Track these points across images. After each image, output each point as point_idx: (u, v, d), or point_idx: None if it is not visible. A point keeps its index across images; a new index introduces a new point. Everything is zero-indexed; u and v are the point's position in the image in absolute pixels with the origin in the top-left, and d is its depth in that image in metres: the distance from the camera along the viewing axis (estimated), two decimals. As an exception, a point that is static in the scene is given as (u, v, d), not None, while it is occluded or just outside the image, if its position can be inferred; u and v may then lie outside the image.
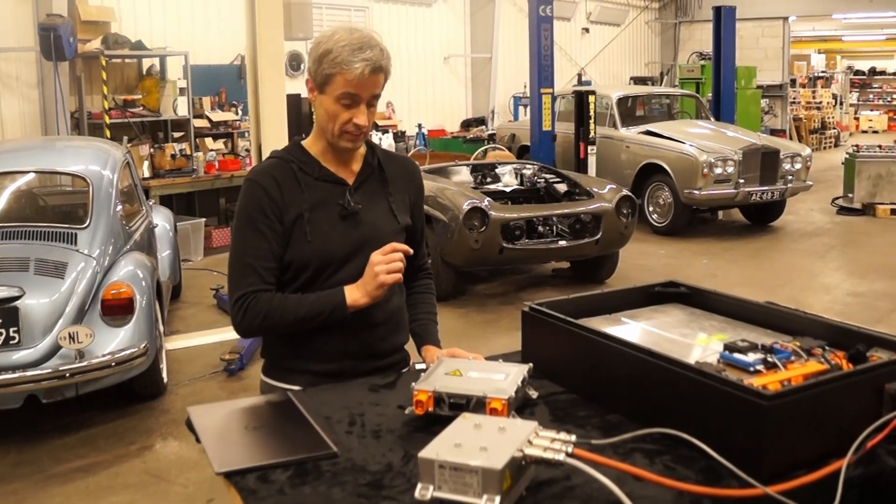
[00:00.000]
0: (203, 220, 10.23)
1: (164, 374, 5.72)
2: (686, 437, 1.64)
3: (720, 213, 12.35)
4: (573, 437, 1.55)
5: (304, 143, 2.43)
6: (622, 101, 12.21)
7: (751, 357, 1.87)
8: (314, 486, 1.65)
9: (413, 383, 1.92)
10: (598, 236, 7.70)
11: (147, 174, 9.84)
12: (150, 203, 7.56)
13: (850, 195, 12.18)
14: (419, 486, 1.49)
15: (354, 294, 2.27)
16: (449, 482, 1.46)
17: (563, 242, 7.68)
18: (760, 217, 11.68)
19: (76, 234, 5.35)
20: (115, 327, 5.05)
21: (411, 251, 2.31)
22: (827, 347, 1.94)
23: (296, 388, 2.30)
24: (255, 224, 2.29)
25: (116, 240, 5.56)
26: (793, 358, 1.88)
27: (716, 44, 13.75)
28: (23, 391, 4.70)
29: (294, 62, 12.96)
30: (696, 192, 10.35)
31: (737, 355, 1.89)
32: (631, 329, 2.26)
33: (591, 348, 2.01)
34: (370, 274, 2.24)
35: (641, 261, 9.18)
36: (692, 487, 1.52)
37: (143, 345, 5.05)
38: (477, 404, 1.85)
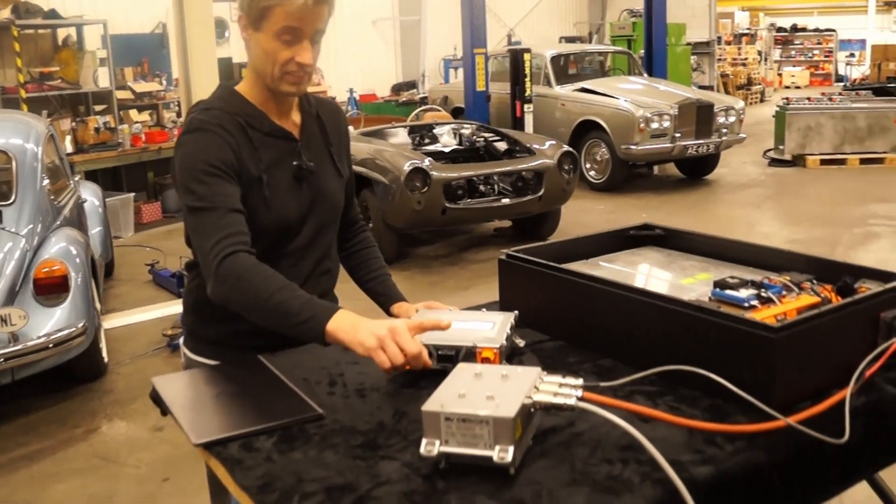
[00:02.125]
0: (132, 195, 9.93)
1: (105, 354, 5.53)
2: (705, 373, 1.55)
3: (656, 168, 12.42)
4: (581, 381, 1.46)
5: (238, 89, 2.13)
6: (556, 60, 12.16)
7: (743, 293, 1.82)
8: (304, 451, 1.54)
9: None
10: (541, 193, 7.64)
11: (70, 149, 9.48)
12: (76, 178, 7.30)
13: (781, 147, 12.33)
14: (424, 441, 1.39)
15: (345, 325, 1.75)
16: (457, 435, 1.36)
17: (506, 200, 7.61)
18: (695, 171, 11.76)
19: (0, 212, 5.11)
20: (50, 307, 4.84)
21: (431, 364, 1.76)
22: (815, 281, 1.89)
23: (213, 362, 2.13)
24: (219, 171, 1.96)
25: (45, 216, 5.32)
26: (784, 292, 1.83)
27: (647, 0, 13.73)
28: (-46, 379, 4.48)
29: (218, 28, 12.62)
30: (632, 147, 10.36)
31: (729, 292, 1.83)
32: (611, 273, 2.18)
33: (578, 292, 1.92)
34: (386, 334, 1.70)
35: (581, 217, 9.17)
36: (711, 426, 1.44)
37: (82, 324, 4.85)
38: (467, 355, 1.76)
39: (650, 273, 2.17)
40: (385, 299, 2.31)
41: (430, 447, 1.37)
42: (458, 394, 1.41)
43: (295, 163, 2.13)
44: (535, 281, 2.05)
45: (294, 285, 1.86)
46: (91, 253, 5.66)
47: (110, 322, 6.36)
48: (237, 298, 1.88)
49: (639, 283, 2.07)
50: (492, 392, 1.40)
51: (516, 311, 1.95)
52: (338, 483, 1.41)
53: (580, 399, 1.41)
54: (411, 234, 8.18)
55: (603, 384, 1.57)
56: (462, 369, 1.54)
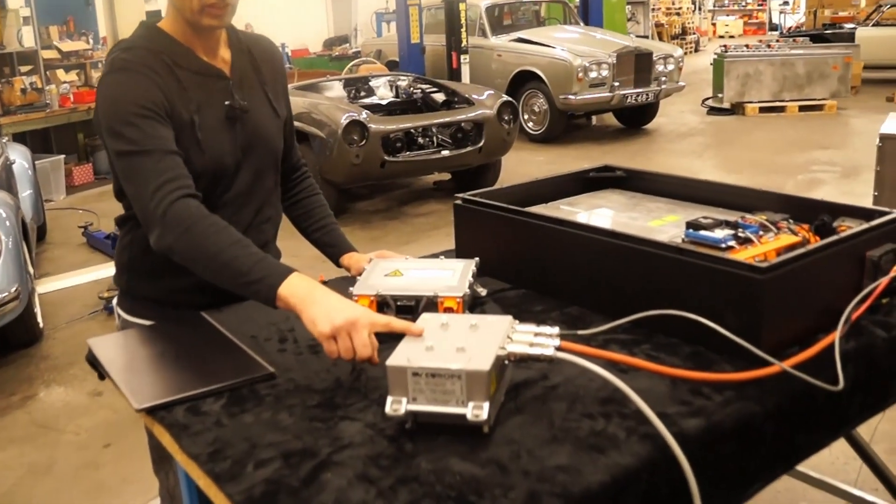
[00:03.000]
0: (62, 157, 9.56)
1: (40, 319, 5.30)
2: (695, 318, 1.44)
3: (594, 119, 12.34)
4: (557, 329, 1.35)
5: (161, 26, 1.93)
6: (490, 10, 11.95)
7: (719, 233, 1.72)
8: (256, 414, 1.41)
9: (350, 289, 1.69)
10: (481, 144, 7.50)
11: (-5, 112, 9.12)
12: (4, 140, 6.99)
13: (720, 95, 12.30)
14: (389, 399, 1.27)
15: (299, 292, 1.55)
16: (426, 391, 1.24)
17: (446, 152, 7.46)
18: (634, 120, 11.69)
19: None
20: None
21: (377, 362, 1.47)
22: (791, 220, 1.80)
23: (151, 323, 1.95)
24: (150, 112, 1.77)
25: (-32, 178, 5.07)
26: (761, 232, 1.74)
27: (581, -52, 13.58)
28: None
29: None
30: (571, 97, 10.24)
31: (703, 233, 1.73)
32: (574, 216, 2.07)
33: (542, 237, 1.81)
34: (343, 325, 1.46)
35: (522, 169, 9.05)
36: (702, 375, 1.34)
37: (14, 288, 4.62)
38: (428, 305, 1.64)
39: (615, 216, 2.07)
40: (334, 250, 2.15)
41: (396, 406, 1.25)
42: (424, 346, 1.29)
43: (227, 102, 1.95)
44: (494, 226, 1.93)
45: (247, 241, 1.69)
46: (21, 215, 5.42)
47: (44, 286, 6.12)
48: (184, 250, 1.70)
49: (605, 226, 1.97)
50: (462, 343, 1.29)
51: (476, 258, 1.83)
52: (295, 448, 1.28)
53: (558, 349, 1.30)
54: (350, 188, 7.99)
55: (581, 332, 1.46)
56: (427, 320, 1.41)
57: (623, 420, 1.28)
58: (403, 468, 1.20)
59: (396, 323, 1.44)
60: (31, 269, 5.33)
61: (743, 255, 1.62)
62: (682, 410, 1.31)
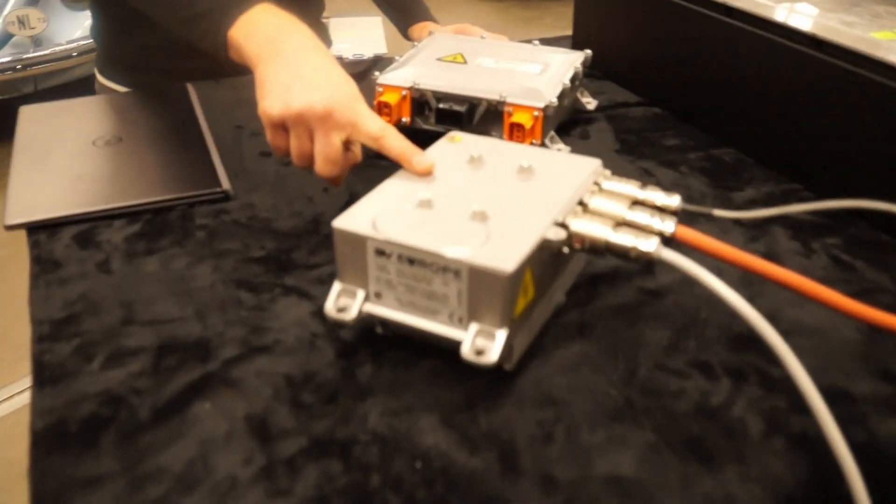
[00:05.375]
0: None
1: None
2: None
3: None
4: (677, 199, 0.73)
5: None
6: None
7: None
8: (166, 259, 0.86)
9: (376, 73, 1.08)
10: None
11: None
12: None
13: None
14: (335, 289, 0.69)
15: (258, 36, 0.92)
16: (397, 287, 0.66)
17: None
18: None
19: None
20: (77, 10, 4.17)
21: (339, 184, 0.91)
22: None
23: (123, 89, 1.42)
24: None
25: None
26: None
27: None
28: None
29: None
30: None
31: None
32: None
33: (704, 32, 1.15)
34: (302, 112, 0.82)
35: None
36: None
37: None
38: (488, 115, 1.03)
39: (819, 18, 1.37)
40: (401, 16, 1.53)
41: (343, 302, 0.68)
42: (417, 199, 0.70)
43: None
44: (633, 6, 1.28)
45: None
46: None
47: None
48: None
49: (809, 29, 1.29)
50: (486, 204, 0.68)
51: (588, 51, 1.18)
52: (186, 336, 0.74)
53: (668, 240, 0.68)
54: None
55: (717, 212, 0.81)
56: (444, 150, 0.81)
57: (764, 393, 0.67)
58: (332, 420, 0.64)
59: (392, 141, 0.81)
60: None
61: None
62: (879, 393, 0.69)
